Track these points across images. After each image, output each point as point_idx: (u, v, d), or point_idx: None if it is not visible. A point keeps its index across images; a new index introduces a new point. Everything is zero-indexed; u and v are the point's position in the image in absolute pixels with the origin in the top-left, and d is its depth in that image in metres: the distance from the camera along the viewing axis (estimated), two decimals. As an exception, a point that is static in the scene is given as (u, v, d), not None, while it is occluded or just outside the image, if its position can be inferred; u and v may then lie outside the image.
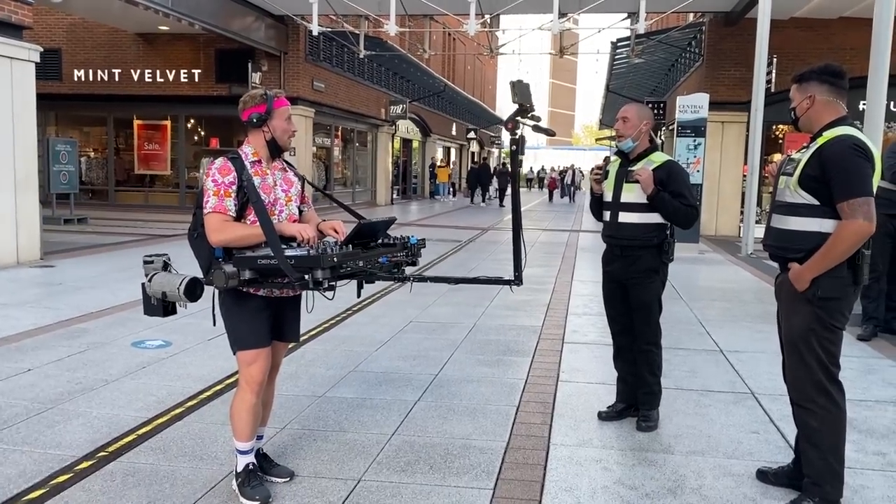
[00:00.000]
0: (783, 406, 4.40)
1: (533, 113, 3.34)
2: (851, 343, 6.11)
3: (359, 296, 3.52)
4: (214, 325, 3.27)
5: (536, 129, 3.49)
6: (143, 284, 3.16)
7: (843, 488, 3.17)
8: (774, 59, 14.88)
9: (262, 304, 3.23)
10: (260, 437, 3.49)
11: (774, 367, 5.27)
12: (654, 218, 4.08)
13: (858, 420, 4.33)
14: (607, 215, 4.24)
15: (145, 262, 3.17)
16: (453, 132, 40.93)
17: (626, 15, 18.37)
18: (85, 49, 20.31)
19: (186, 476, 3.47)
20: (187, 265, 3.39)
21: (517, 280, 3.41)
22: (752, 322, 7.20)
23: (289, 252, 2.99)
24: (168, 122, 21.18)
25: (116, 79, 20.29)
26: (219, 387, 4.81)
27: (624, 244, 4.17)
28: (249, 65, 18.92)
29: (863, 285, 3.14)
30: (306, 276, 2.93)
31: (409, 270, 3.49)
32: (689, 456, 3.82)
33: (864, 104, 7.55)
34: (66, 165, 16.57)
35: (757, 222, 14.30)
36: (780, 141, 17.65)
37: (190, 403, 4.52)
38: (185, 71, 19.98)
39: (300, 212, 3.43)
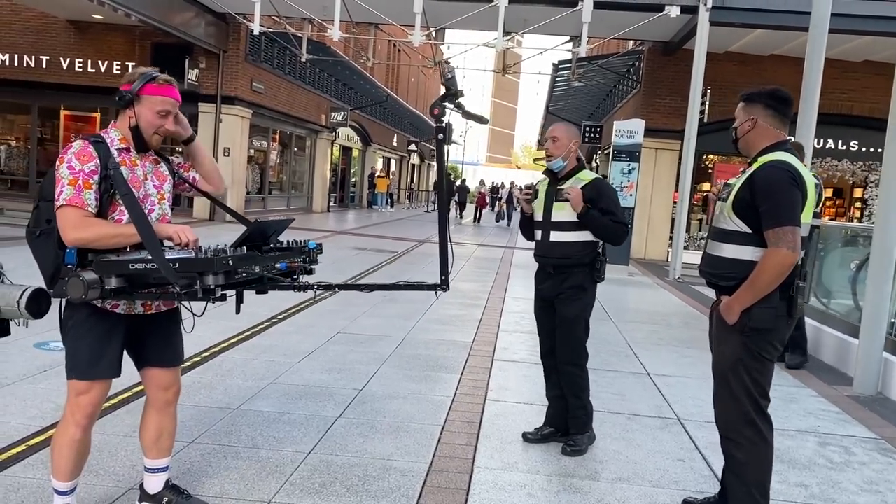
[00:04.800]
0: (708, 433, 4.39)
1: (461, 99, 3.04)
2: (775, 372, 6.19)
3: (238, 311, 2.94)
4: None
5: (466, 115, 3.21)
6: None
7: (766, 523, 3.12)
8: (708, 91, 15.31)
9: (118, 324, 2.74)
10: (164, 469, 3.07)
11: (700, 392, 5.30)
12: (585, 236, 4.07)
13: (781, 450, 4.32)
14: (539, 234, 4.20)
15: None
16: (394, 143, 40.76)
17: (568, 38, 18.60)
18: (11, 33, 19.34)
19: (78, 494, 3.16)
20: (21, 271, 2.88)
21: (443, 285, 3.08)
22: (678, 346, 7.24)
23: (168, 255, 2.52)
24: (97, 115, 20.31)
25: (44, 66, 19.38)
26: (126, 394, 4.49)
27: (556, 262, 4.13)
28: (187, 61, 18.35)
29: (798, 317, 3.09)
30: (195, 284, 2.48)
31: (306, 278, 3.11)
32: (615, 483, 3.73)
33: (793, 140, 7.75)
34: (-18, 153, 15.71)
35: (685, 248, 14.62)
36: (710, 170, 18.14)
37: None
38: (119, 63, 19.22)
39: (185, 180, 3.04)
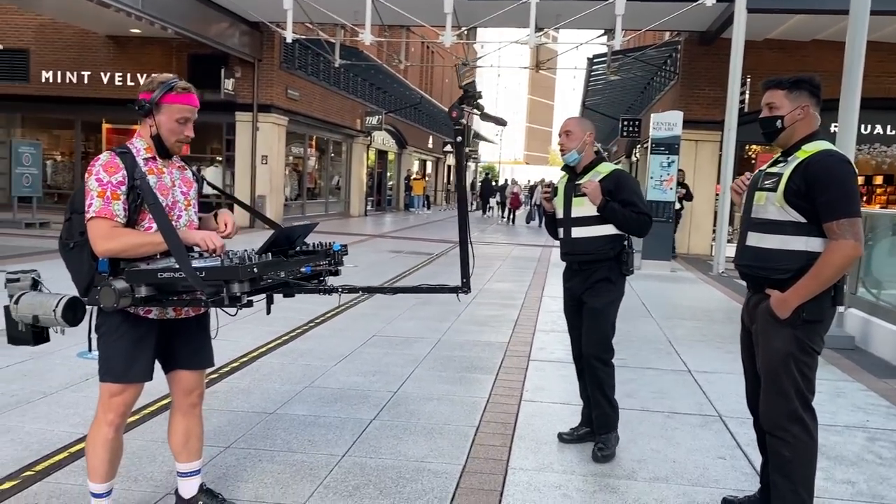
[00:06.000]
0: (751, 430, 4.24)
1: (479, 101, 2.99)
2: (821, 365, 5.99)
3: (268, 312, 3.03)
4: (91, 350, 2.84)
5: (485, 116, 3.17)
6: (6, 308, 2.73)
7: (811, 521, 3.02)
8: (748, 80, 14.96)
9: (150, 329, 2.80)
10: (196, 472, 3.10)
11: (743, 389, 5.15)
12: (608, 230, 3.96)
13: (827, 446, 4.19)
14: (561, 232, 4.12)
15: (9, 281, 2.73)
16: (430, 145, 40.85)
17: (602, 32, 18.39)
18: (54, 50, 19.89)
19: (116, 499, 3.21)
20: (61, 282, 2.96)
21: (464, 287, 3.06)
22: (721, 342, 7.08)
23: (195, 263, 2.57)
24: (138, 127, 20.70)
25: (85, 81, 19.87)
26: (165, 401, 4.54)
27: (580, 259, 4.04)
28: (223, 71, 18.65)
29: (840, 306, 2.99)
30: (221, 292, 2.53)
31: (332, 280, 3.13)
32: (653, 483, 3.65)
33: (835, 127, 7.52)
34: (30, 168, 16.20)
35: (729, 241, 14.30)
36: (753, 161, 17.74)
37: (131, 419, 4.25)
38: (157, 75, 19.59)
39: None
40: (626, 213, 3.90)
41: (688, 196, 15.95)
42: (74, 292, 2.76)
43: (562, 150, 4.07)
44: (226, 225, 2.91)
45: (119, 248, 2.64)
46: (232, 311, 2.67)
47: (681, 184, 15.34)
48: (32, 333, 2.74)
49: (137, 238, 2.68)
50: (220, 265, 2.56)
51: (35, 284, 2.77)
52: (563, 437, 4.19)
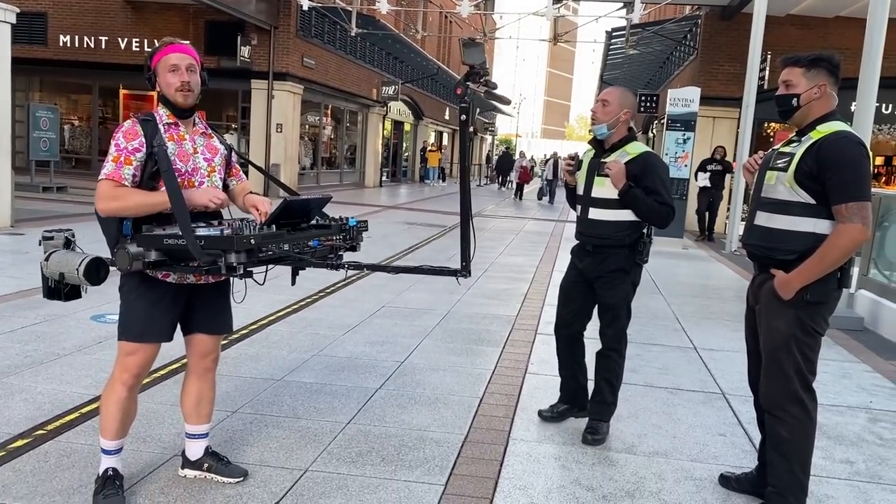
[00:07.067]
0: (752, 408, 4.28)
1: (487, 78, 2.93)
2: (828, 345, 6.01)
3: (293, 283, 3.13)
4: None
5: (489, 94, 3.17)
6: (41, 264, 2.84)
7: (806, 501, 3.05)
8: (768, 56, 14.75)
9: (169, 292, 2.87)
10: (204, 436, 3.20)
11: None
12: (628, 215, 3.74)
13: (828, 426, 4.22)
14: (579, 210, 3.94)
15: (44, 239, 2.82)
16: (446, 116, 40.62)
17: (621, 4, 18.14)
18: (71, 14, 19.90)
19: (125, 459, 3.28)
20: (96, 244, 3.05)
21: (464, 271, 3.03)
22: (729, 320, 7.09)
23: (200, 231, 2.63)
24: (155, 93, 20.68)
25: (103, 46, 19.90)
26: (174, 365, 4.65)
27: (594, 242, 3.86)
28: (239, 38, 18.61)
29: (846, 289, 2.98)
30: (218, 261, 2.57)
31: (348, 256, 3.16)
32: (652, 457, 3.69)
33: (854, 106, 7.42)
34: (47, 132, 16.27)
35: (743, 219, 14.20)
36: (771, 139, 17.54)
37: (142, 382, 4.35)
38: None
39: (226, 186, 3.08)
40: (648, 201, 3.67)
41: (727, 170, 14.76)
42: (107, 253, 2.85)
43: (593, 120, 3.85)
44: (256, 209, 2.91)
45: (118, 207, 2.73)
46: (259, 279, 2.74)
47: (720, 160, 14.73)
48: (61, 290, 2.83)
49: (139, 198, 2.74)
50: (219, 235, 2.61)
51: (68, 243, 2.86)
52: (543, 415, 4.12)
